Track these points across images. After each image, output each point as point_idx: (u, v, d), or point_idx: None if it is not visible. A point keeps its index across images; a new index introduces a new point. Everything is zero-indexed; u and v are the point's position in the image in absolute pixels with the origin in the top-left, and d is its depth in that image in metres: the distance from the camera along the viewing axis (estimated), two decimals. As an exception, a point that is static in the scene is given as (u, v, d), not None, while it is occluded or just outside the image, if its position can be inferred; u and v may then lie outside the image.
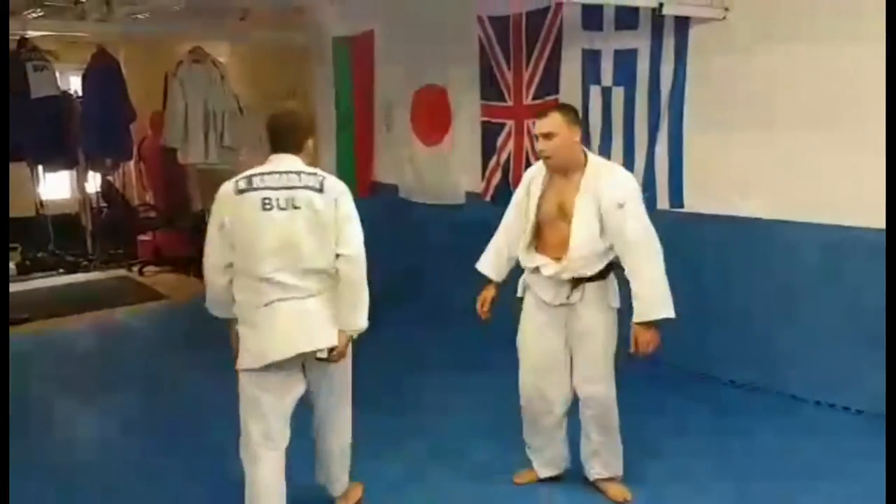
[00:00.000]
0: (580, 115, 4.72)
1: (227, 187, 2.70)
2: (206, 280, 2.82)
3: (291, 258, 2.63)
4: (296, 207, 2.63)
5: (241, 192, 2.66)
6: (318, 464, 3.02)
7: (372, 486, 3.18)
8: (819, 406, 3.94)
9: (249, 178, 2.68)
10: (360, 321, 2.72)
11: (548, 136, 2.89)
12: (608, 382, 3.03)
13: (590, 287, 2.93)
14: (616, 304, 3.00)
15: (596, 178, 2.88)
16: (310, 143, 2.87)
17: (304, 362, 2.75)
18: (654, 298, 2.81)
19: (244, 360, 2.74)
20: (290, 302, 2.64)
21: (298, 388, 2.78)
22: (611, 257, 2.92)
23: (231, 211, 2.66)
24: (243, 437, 2.79)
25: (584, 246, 2.88)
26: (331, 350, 2.70)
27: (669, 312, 2.82)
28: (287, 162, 2.75)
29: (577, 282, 2.93)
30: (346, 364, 2.89)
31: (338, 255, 2.66)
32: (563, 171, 2.94)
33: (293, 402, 2.79)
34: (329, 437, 2.97)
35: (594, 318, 2.97)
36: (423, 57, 5.92)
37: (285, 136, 2.81)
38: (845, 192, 3.72)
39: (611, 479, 3.14)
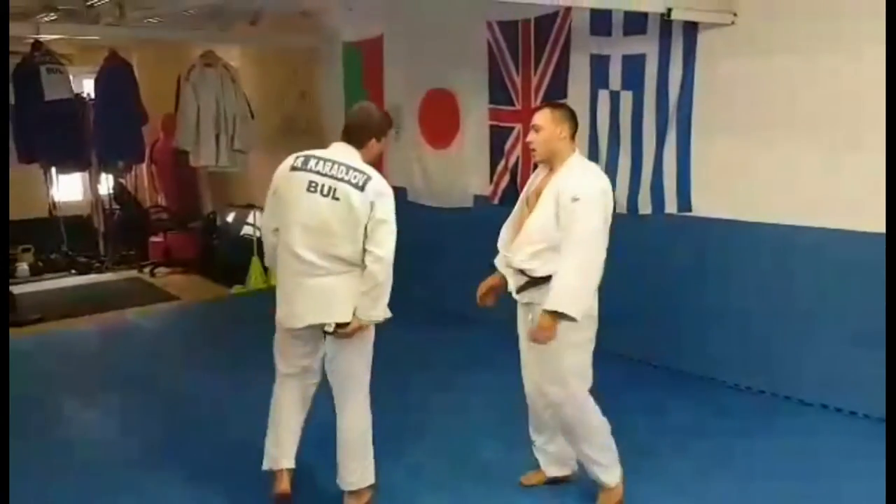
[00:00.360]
0: (589, 119, 4.83)
1: (286, 161, 2.98)
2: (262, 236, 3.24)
3: (321, 242, 2.84)
4: (335, 199, 2.81)
5: (294, 169, 2.92)
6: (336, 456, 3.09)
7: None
8: (825, 409, 3.94)
9: (306, 159, 2.91)
10: (377, 312, 2.88)
11: (536, 128, 2.96)
12: (560, 387, 2.95)
13: (546, 289, 2.87)
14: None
15: (567, 174, 2.91)
16: (374, 142, 2.98)
17: (325, 334, 2.95)
18: (562, 292, 2.78)
19: (277, 313, 3.08)
20: (313, 279, 2.87)
21: (317, 354, 3.07)
22: None
23: (283, 184, 2.95)
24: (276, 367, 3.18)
25: (535, 233, 2.90)
26: (339, 325, 2.86)
27: (571, 311, 2.77)
28: (343, 153, 2.92)
29: (532, 280, 2.92)
30: (363, 349, 3.00)
31: (368, 251, 2.81)
32: (549, 164, 3.00)
33: (313, 362, 3.09)
34: (341, 419, 3.05)
35: None
36: (432, 61, 5.95)
37: (353, 129, 2.98)
38: (853, 197, 3.72)
39: (599, 489, 3.09)
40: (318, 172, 2.85)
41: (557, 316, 2.79)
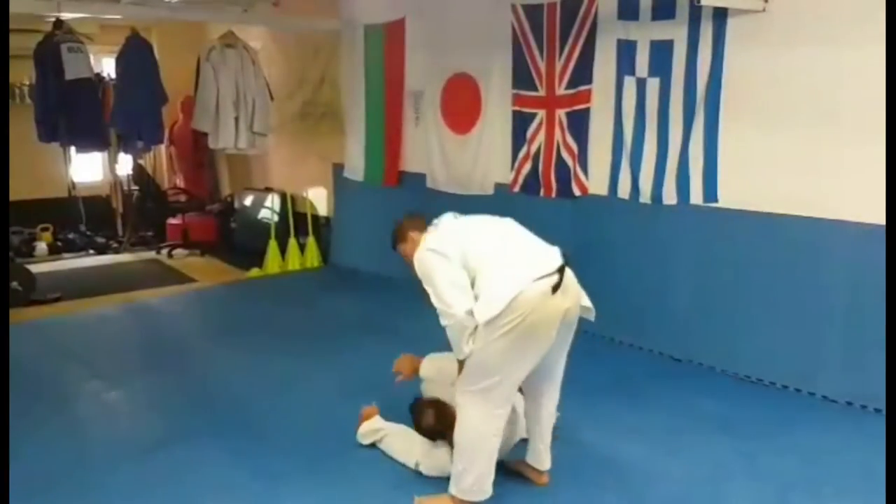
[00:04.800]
0: (615, 106, 4.76)
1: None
2: None
3: None
4: None
5: None
6: None
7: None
8: (850, 406, 3.87)
9: None
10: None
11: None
12: (458, 391, 2.84)
13: None
14: (479, 318, 2.69)
15: None
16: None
17: None
18: None
19: None
20: None
21: None
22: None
23: None
24: None
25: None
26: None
27: None
28: None
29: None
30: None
31: None
32: None
33: None
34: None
35: None
36: (455, 45, 5.87)
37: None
38: (884, 192, 3.62)
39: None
40: None
41: None
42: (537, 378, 2.92)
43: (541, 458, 3.10)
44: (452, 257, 2.78)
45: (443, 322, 2.77)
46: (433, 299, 2.79)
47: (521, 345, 2.68)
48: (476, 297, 2.73)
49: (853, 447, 3.43)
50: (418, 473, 3.18)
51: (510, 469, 3.14)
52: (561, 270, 2.72)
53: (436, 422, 3.19)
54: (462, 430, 2.83)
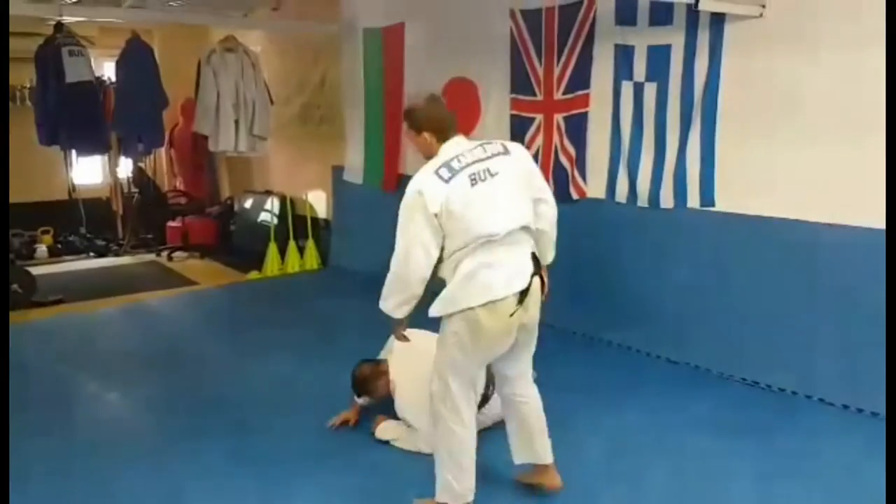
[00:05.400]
0: (612, 110, 4.78)
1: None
2: None
3: None
4: None
5: None
6: None
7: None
8: (846, 410, 3.88)
9: None
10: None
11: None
12: (433, 380, 2.86)
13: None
14: (435, 312, 2.76)
15: None
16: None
17: None
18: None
19: None
20: None
21: None
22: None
23: None
24: None
25: None
26: None
27: (381, 307, 2.85)
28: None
29: None
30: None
31: None
32: None
33: None
34: None
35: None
36: (454, 49, 5.90)
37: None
38: (881, 196, 3.64)
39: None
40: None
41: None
42: (503, 366, 2.93)
43: (538, 452, 3.01)
44: (437, 212, 2.66)
45: (392, 266, 2.77)
46: (397, 243, 2.73)
47: (472, 350, 2.75)
48: (440, 259, 2.73)
49: (847, 451, 3.44)
50: (418, 474, 3.20)
51: (522, 485, 3.09)
52: (525, 291, 2.71)
53: (368, 374, 3.60)
54: (441, 438, 2.84)
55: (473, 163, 2.74)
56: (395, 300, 2.81)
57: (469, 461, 2.82)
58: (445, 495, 2.83)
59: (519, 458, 3.05)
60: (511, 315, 2.70)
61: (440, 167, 2.72)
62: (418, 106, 2.92)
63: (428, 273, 2.72)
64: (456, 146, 2.82)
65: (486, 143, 2.85)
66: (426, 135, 2.84)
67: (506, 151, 2.83)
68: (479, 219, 2.68)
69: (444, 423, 2.82)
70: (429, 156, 2.83)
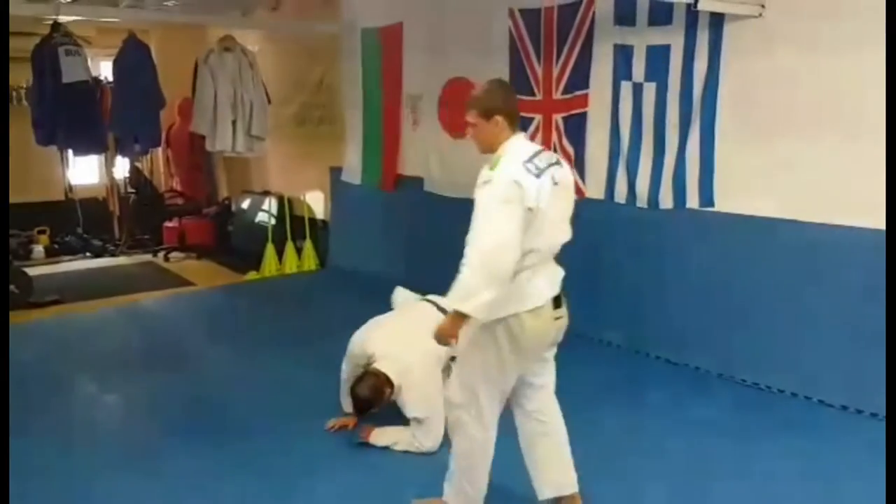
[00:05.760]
0: (611, 111, 4.78)
1: None
2: None
3: None
4: None
5: None
6: None
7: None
8: (845, 411, 3.88)
9: None
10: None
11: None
12: (452, 388, 2.77)
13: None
14: (481, 316, 2.50)
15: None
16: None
17: None
18: (454, 289, 2.49)
19: None
20: None
21: None
22: None
23: None
24: None
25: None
26: None
27: (461, 307, 2.48)
28: None
29: None
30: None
31: None
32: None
33: None
34: None
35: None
36: (453, 49, 5.89)
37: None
38: (881, 196, 3.64)
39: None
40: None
41: (455, 314, 2.52)
42: (531, 375, 2.77)
43: (561, 483, 2.85)
44: (531, 207, 2.46)
45: (479, 260, 2.43)
46: (484, 236, 2.46)
47: (511, 359, 2.62)
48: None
49: (848, 451, 3.44)
50: (418, 474, 3.19)
51: None
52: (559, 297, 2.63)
53: (371, 394, 3.38)
54: (459, 444, 2.75)
55: (549, 166, 2.57)
56: (485, 297, 2.43)
57: (485, 466, 2.75)
58: (458, 499, 2.78)
59: (543, 493, 2.87)
60: (556, 319, 2.63)
61: (527, 161, 2.52)
62: (491, 87, 2.69)
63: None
64: (529, 143, 2.68)
65: (545, 149, 2.70)
66: (499, 118, 2.58)
67: (559, 163, 2.66)
68: (551, 226, 2.56)
69: (465, 430, 2.70)
70: (489, 148, 2.62)
